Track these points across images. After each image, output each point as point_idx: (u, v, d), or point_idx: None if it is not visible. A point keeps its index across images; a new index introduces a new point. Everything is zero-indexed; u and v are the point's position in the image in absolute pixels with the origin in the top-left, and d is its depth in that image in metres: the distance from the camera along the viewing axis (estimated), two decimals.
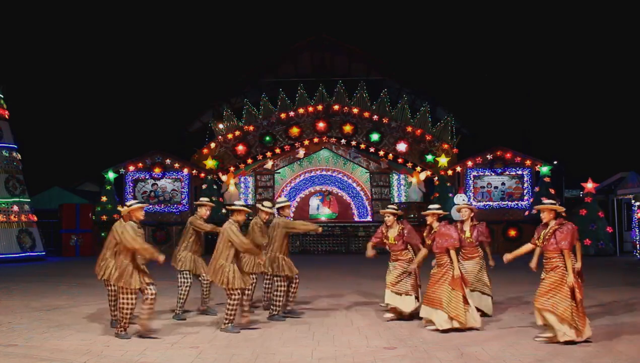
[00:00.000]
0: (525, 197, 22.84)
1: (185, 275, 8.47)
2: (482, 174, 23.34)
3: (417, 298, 8.02)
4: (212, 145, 24.72)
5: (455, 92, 30.46)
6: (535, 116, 34.15)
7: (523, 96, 34.62)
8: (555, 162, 24.75)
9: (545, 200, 7.21)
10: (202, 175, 23.91)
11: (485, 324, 7.76)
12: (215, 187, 23.53)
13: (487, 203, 22.95)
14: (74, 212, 22.19)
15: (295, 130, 24.53)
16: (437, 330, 7.25)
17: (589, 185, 20.33)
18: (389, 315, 8.22)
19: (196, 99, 29.36)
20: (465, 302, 7.29)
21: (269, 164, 25.27)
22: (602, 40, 35.91)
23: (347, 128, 24.32)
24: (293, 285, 8.45)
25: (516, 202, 22.95)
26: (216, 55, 38.23)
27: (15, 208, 19.75)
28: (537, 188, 22.25)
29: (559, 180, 25.75)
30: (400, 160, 24.49)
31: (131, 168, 23.89)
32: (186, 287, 8.45)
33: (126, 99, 35.38)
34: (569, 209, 22.21)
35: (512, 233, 22.11)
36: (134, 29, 38.72)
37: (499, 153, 23.31)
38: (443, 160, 23.48)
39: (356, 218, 25.53)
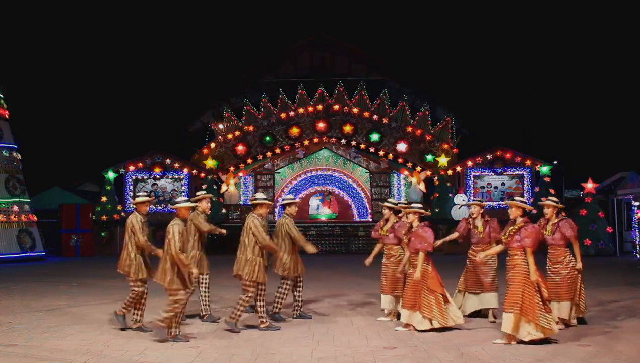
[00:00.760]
0: (525, 197, 22.84)
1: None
2: (482, 173, 23.35)
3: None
4: (212, 145, 24.73)
5: (455, 92, 30.45)
6: (535, 116, 34.16)
7: (523, 96, 34.64)
8: (555, 162, 24.75)
9: (516, 197, 7.25)
10: (202, 175, 23.92)
11: (486, 324, 7.76)
12: (215, 187, 23.54)
13: (487, 203, 22.90)
14: (74, 212, 22.19)
15: (295, 130, 24.53)
16: (414, 329, 7.28)
17: (589, 185, 20.33)
18: (387, 318, 8.20)
19: (196, 99, 29.36)
20: (446, 301, 7.26)
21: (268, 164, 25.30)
22: (602, 40, 35.93)
23: (347, 128, 24.33)
24: (299, 286, 8.40)
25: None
26: (216, 55, 38.23)
27: (15, 208, 19.75)
28: (537, 188, 22.26)
29: (559, 180, 25.74)
30: (400, 160, 24.50)
31: (131, 168, 23.90)
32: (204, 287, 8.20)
33: (126, 99, 35.38)
34: (569, 209, 22.29)
35: None
36: (134, 29, 38.73)
37: (499, 153, 23.32)
38: (443, 160, 23.49)
39: (356, 218, 25.55)
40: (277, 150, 25.05)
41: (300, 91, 24.59)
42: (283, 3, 40.80)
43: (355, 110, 24.32)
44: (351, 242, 22.56)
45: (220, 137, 24.75)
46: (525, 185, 23.06)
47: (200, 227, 8.10)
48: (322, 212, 25.68)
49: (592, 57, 35.63)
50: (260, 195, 8.04)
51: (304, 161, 25.96)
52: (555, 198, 7.90)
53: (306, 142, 24.88)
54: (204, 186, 23.21)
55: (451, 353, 6.26)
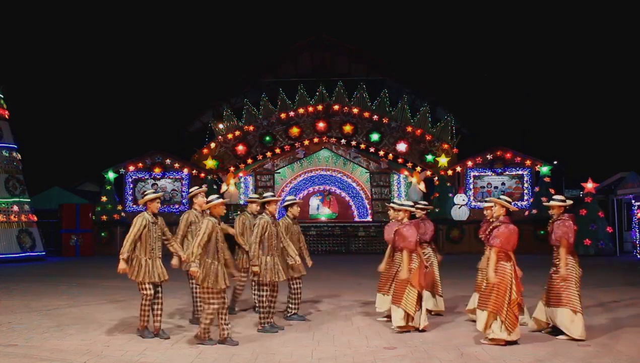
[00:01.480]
0: (525, 197, 22.85)
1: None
2: (482, 174, 23.35)
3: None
4: (212, 145, 24.73)
5: (455, 92, 30.46)
6: (535, 116, 34.16)
7: (523, 96, 34.64)
8: (555, 162, 24.75)
9: (502, 196, 7.25)
10: (202, 175, 23.92)
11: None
12: (215, 187, 23.54)
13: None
14: (74, 212, 22.19)
15: (295, 130, 24.53)
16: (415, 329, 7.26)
17: (589, 185, 20.32)
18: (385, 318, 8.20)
19: (196, 99, 29.39)
20: (419, 302, 7.24)
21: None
22: (602, 40, 35.93)
23: (347, 128, 24.32)
24: (294, 287, 8.31)
25: (516, 202, 22.92)
26: (216, 55, 38.24)
27: (15, 208, 19.74)
28: (537, 188, 22.25)
29: (559, 180, 25.73)
30: (400, 160, 24.49)
31: (131, 168, 23.91)
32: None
33: (126, 99, 35.38)
34: (569, 209, 22.29)
35: None
36: (134, 29, 38.73)
37: (499, 153, 23.32)
38: (443, 160, 23.48)
39: (356, 218, 25.54)
40: (277, 150, 25.05)
41: (300, 91, 24.58)
42: (283, 3, 40.81)
43: (355, 110, 24.32)
44: (351, 242, 22.55)
45: (220, 137, 24.75)
46: (525, 185, 23.06)
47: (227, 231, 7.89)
48: (322, 212, 25.68)
49: (592, 57, 35.66)
50: (269, 193, 8.01)
51: (304, 161, 25.96)
52: (560, 197, 7.49)
53: (306, 142, 24.88)
54: (204, 186, 23.21)
55: (451, 353, 6.26)
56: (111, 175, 23.50)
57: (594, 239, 19.90)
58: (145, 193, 7.29)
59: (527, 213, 22.21)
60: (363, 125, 24.38)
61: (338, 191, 26.12)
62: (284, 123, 24.66)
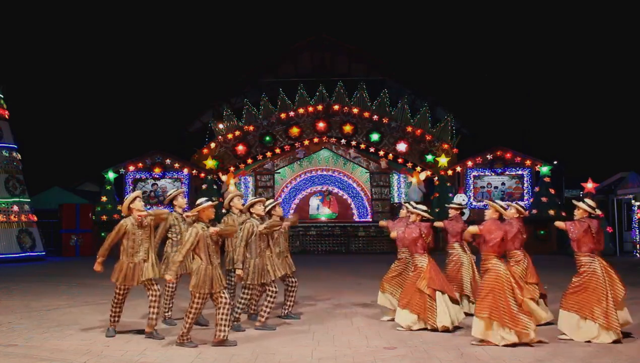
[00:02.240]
0: (525, 197, 22.84)
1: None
2: (482, 174, 23.35)
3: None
4: (212, 145, 24.72)
5: (455, 92, 30.45)
6: (535, 116, 34.15)
7: (523, 96, 34.63)
8: (555, 162, 24.74)
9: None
10: (202, 175, 23.92)
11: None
12: (215, 187, 23.54)
13: (487, 203, 22.94)
14: (74, 212, 22.19)
15: (295, 130, 24.53)
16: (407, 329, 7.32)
17: (589, 185, 20.28)
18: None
19: (196, 99, 29.36)
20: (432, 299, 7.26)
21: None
22: (602, 40, 35.92)
23: (347, 128, 24.32)
24: (290, 285, 8.31)
25: (516, 202, 22.89)
26: (216, 55, 38.23)
27: (15, 208, 19.75)
28: (537, 189, 22.26)
29: (559, 180, 25.73)
30: (400, 160, 24.49)
31: (131, 168, 23.90)
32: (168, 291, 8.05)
33: (126, 99, 35.38)
34: (569, 209, 22.28)
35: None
36: (134, 29, 38.72)
37: (499, 153, 23.31)
38: (443, 160, 23.48)
39: (356, 218, 25.53)
40: (277, 150, 25.03)
41: (300, 91, 24.58)
42: (283, 3, 40.81)
43: (355, 110, 24.31)
44: (351, 242, 22.55)
45: (220, 137, 24.75)
46: (525, 185, 23.04)
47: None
48: (322, 212, 25.67)
49: (592, 57, 35.65)
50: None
51: (304, 161, 25.95)
52: (591, 202, 7.22)
53: (306, 142, 24.87)
54: (204, 186, 23.23)
55: (451, 353, 6.26)
56: (111, 175, 23.50)
57: None
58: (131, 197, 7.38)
59: (527, 213, 22.17)
60: (363, 125, 24.37)
61: (338, 191, 26.11)
62: (284, 123, 24.65)
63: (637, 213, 19.89)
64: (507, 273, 6.60)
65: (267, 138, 24.58)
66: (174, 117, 29.79)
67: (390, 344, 6.71)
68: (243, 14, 41.81)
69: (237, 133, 24.64)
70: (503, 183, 23.21)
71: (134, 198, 7.28)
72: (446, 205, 7.87)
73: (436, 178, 23.28)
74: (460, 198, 22.32)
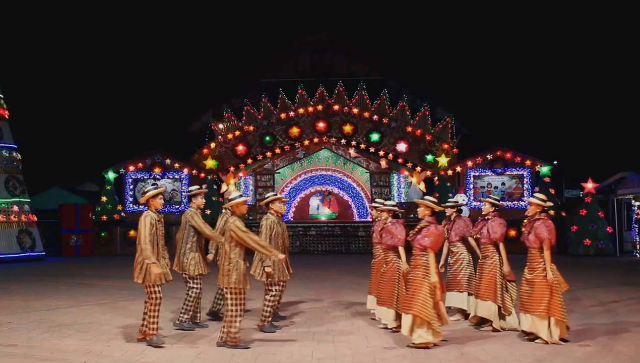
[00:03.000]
0: (525, 197, 22.83)
1: (196, 280, 7.65)
2: (482, 173, 23.35)
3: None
4: (212, 145, 24.73)
5: (455, 92, 30.40)
6: (535, 116, 34.15)
7: (523, 96, 34.64)
8: (555, 162, 24.74)
9: (427, 197, 6.94)
10: (202, 175, 23.92)
11: (485, 325, 7.76)
12: (215, 187, 23.54)
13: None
14: (74, 212, 22.18)
15: (295, 130, 24.53)
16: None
17: (589, 185, 20.33)
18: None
19: (196, 99, 29.30)
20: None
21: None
22: (601, 40, 35.92)
23: (347, 128, 24.32)
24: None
25: (516, 202, 22.96)
26: (216, 55, 38.19)
27: (15, 208, 19.75)
28: (537, 189, 22.25)
29: (559, 180, 25.74)
30: (400, 160, 24.49)
31: (131, 168, 23.90)
32: (197, 292, 7.66)
33: (126, 99, 35.35)
34: (569, 209, 22.30)
35: (512, 233, 22.06)
36: (134, 29, 38.71)
37: (499, 153, 23.31)
38: (443, 160, 23.48)
39: (356, 218, 25.55)
40: (277, 150, 25.03)
41: (300, 91, 24.59)
42: (283, 3, 40.79)
43: (355, 110, 24.31)
44: (351, 242, 22.55)
45: (220, 137, 24.75)
46: (525, 185, 23.05)
47: (202, 231, 7.71)
48: (322, 212, 25.68)
49: (592, 57, 35.64)
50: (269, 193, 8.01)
51: (304, 161, 25.97)
52: (542, 196, 7.16)
53: (306, 142, 24.87)
54: (203, 186, 23.20)
55: (451, 353, 6.26)
56: (111, 175, 23.50)
57: (594, 239, 19.90)
58: (147, 190, 6.93)
59: (527, 213, 22.18)
60: (363, 125, 24.38)
61: (338, 191, 26.12)
62: (284, 123, 24.66)
63: (637, 213, 19.89)
64: (434, 271, 6.48)
65: (267, 138, 24.58)
66: (174, 117, 29.76)
67: (390, 344, 6.71)
68: (243, 14, 41.81)
69: (237, 133, 24.65)
70: (503, 183, 23.21)
71: (157, 194, 6.90)
72: (441, 205, 7.75)
73: (436, 178, 23.28)
74: (460, 198, 22.35)
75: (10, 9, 34.63)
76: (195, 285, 7.64)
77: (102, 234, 22.59)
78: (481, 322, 7.56)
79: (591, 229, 19.93)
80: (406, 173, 25.02)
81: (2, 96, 20.54)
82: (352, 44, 25.84)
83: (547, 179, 22.23)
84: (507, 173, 23.24)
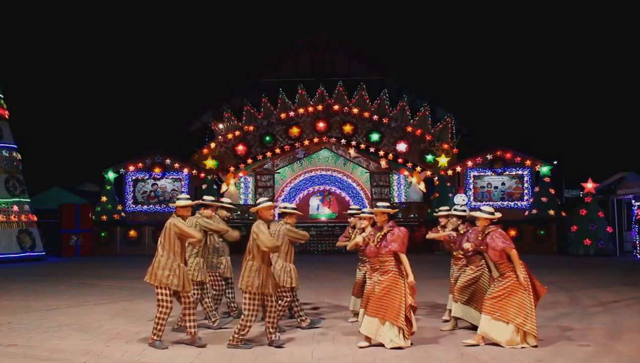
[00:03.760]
0: (525, 197, 22.85)
1: (196, 287, 7.42)
2: (482, 173, 23.35)
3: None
4: (212, 145, 24.73)
5: (455, 92, 30.40)
6: (535, 116, 34.15)
7: (523, 96, 34.64)
8: (555, 162, 24.74)
9: (380, 203, 6.90)
10: (202, 175, 23.92)
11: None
12: (215, 187, 23.54)
13: (487, 203, 22.94)
14: (74, 212, 22.20)
15: (295, 130, 24.53)
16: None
17: (589, 185, 20.34)
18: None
19: (196, 99, 29.29)
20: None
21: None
22: (601, 40, 35.93)
23: (347, 128, 24.32)
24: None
25: (516, 202, 22.96)
26: (216, 55, 38.20)
27: (15, 208, 19.75)
28: (537, 189, 22.26)
29: (559, 180, 25.74)
30: (400, 160, 24.49)
31: (131, 168, 23.90)
32: (196, 298, 7.41)
33: (126, 99, 35.36)
34: (569, 209, 22.32)
35: (512, 233, 22.09)
36: (134, 29, 38.72)
37: (499, 153, 23.31)
38: (443, 160, 23.48)
39: None
40: (277, 150, 25.04)
41: (300, 91, 24.59)
42: (283, 3, 40.80)
43: (355, 110, 24.32)
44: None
45: (220, 137, 24.75)
46: (525, 185, 23.05)
47: (210, 228, 7.53)
48: (322, 212, 25.68)
49: (592, 57, 35.65)
50: (289, 204, 7.88)
51: (304, 161, 25.97)
52: (489, 209, 6.85)
53: (306, 142, 24.87)
54: (204, 186, 23.23)
55: (451, 353, 6.26)
56: (111, 175, 23.50)
57: (594, 239, 19.91)
58: (259, 201, 6.78)
59: (527, 213, 22.21)
60: (363, 125, 24.38)
61: (338, 191, 26.12)
62: (284, 123, 24.66)
63: (637, 213, 19.89)
64: (409, 272, 6.53)
65: (267, 138, 24.58)
66: (174, 117, 29.75)
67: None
68: (243, 14, 41.83)
69: (237, 133, 24.65)
70: (503, 183, 23.21)
71: (270, 207, 6.73)
72: (450, 213, 7.55)
73: (436, 178, 23.28)
74: (460, 198, 22.33)
75: (10, 9, 34.63)
76: (194, 292, 7.39)
77: (102, 234, 22.60)
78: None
79: (591, 229, 19.94)
80: (406, 173, 25.01)
81: (2, 96, 20.55)
82: (352, 44, 25.83)
83: (547, 179, 22.23)
84: (507, 173, 23.24)
